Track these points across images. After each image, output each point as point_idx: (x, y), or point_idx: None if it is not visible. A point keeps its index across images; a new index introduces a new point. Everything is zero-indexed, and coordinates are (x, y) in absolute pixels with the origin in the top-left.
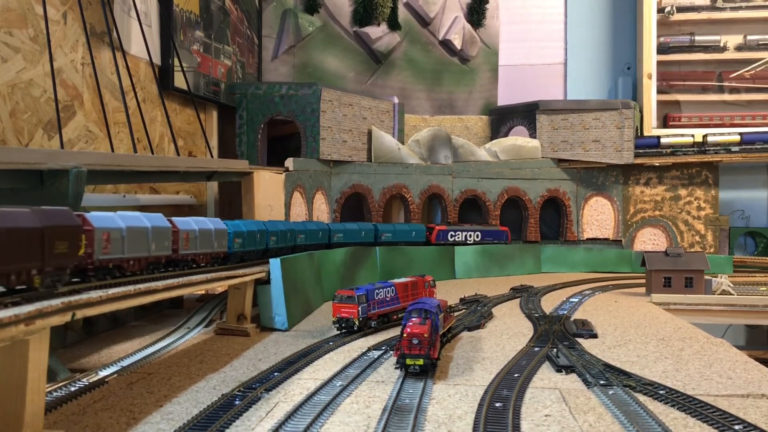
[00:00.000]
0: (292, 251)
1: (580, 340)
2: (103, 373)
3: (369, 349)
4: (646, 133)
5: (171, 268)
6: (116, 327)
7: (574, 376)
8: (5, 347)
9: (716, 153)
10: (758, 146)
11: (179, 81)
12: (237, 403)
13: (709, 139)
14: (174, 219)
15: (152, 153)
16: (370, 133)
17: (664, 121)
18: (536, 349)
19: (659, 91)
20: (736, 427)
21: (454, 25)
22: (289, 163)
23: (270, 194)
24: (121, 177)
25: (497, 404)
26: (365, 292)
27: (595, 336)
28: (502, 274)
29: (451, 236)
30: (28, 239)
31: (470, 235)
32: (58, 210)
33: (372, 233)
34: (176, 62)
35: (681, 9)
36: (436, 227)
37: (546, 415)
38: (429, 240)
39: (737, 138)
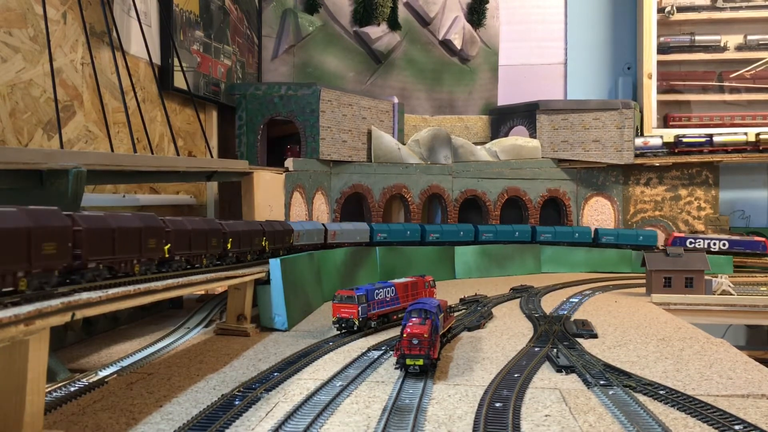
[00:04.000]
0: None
1: (580, 340)
2: (102, 374)
3: (369, 350)
4: (646, 133)
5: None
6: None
7: (574, 376)
8: (5, 347)
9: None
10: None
11: (179, 81)
12: (237, 403)
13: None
14: (328, 224)
15: (152, 153)
16: (369, 133)
17: (665, 121)
18: (536, 349)
19: (660, 91)
20: (737, 427)
21: (454, 25)
22: (289, 163)
23: (270, 194)
24: (121, 177)
25: (497, 404)
26: (365, 293)
27: (595, 336)
28: (502, 274)
29: (690, 243)
30: (134, 236)
31: (714, 244)
32: (149, 215)
33: (529, 233)
34: (176, 62)
35: (681, 9)
36: (674, 233)
37: (546, 416)
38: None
39: None
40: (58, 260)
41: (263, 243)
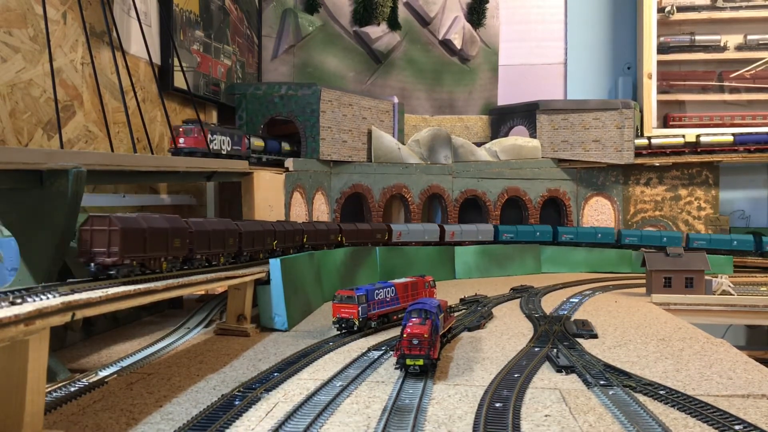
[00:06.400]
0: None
1: (580, 340)
2: (102, 374)
3: (369, 350)
4: (646, 133)
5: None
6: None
7: (574, 376)
8: (5, 347)
9: (716, 153)
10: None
11: (179, 81)
12: (237, 403)
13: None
14: (447, 225)
15: (152, 153)
16: (369, 133)
17: (665, 121)
18: (536, 349)
19: (660, 91)
20: (737, 427)
21: (454, 25)
22: (289, 163)
23: (270, 194)
24: (121, 177)
25: (497, 404)
26: (365, 293)
27: (595, 336)
28: (502, 274)
29: None
30: (262, 234)
31: None
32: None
33: (680, 239)
34: (176, 62)
35: (681, 9)
36: None
37: (546, 416)
38: None
39: None
40: None
41: (231, 245)
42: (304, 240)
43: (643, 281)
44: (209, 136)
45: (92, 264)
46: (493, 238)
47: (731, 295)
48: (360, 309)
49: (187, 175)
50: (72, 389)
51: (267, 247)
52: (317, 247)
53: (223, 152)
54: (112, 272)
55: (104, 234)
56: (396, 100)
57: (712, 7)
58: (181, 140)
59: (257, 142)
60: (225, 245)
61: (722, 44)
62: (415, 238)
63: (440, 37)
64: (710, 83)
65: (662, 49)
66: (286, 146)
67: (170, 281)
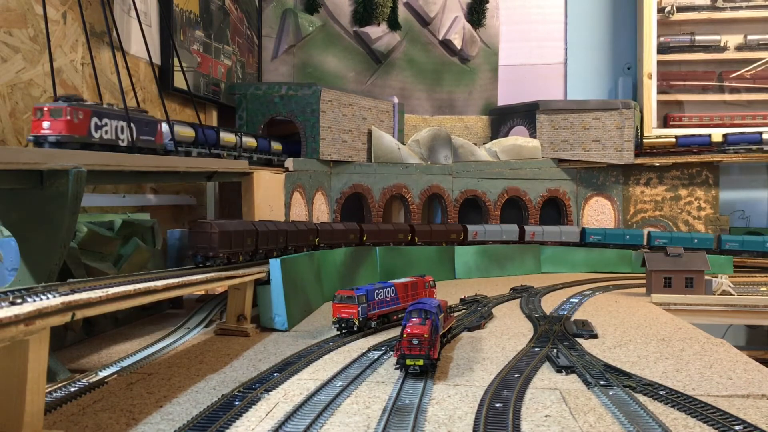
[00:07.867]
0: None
1: (580, 340)
2: (102, 374)
3: (369, 350)
4: (646, 134)
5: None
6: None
7: (574, 376)
8: (5, 347)
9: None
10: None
11: (179, 81)
12: (237, 403)
13: None
14: (527, 226)
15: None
16: (370, 133)
17: (665, 121)
18: (536, 349)
19: (659, 91)
20: (737, 427)
21: (454, 25)
22: (289, 163)
23: (270, 194)
24: (121, 177)
25: (497, 405)
26: (365, 293)
27: (595, 336)
28: (502, 274)
29: None
30: (305, 233)
31: None
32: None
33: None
34: (176, 62)
35: (681, 9)
36: None
37: (546, 416)
38: None
39: None
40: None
41: (281, 242)
42: (364, 238)
43: (643, 281)
44: (94, 119)
45: (198, 256)
46: (579, 239)
47: (731, 295)
48: (360, 309)
49: (187, 175)
50: (72, 389)
51: (309, 243)
52: (379, 245)
53: (121, 143)
54: (209, 263)
55: (206, 235)
56: (396, 100)
57: (712, 7)
58: (46, 124)
59: (183, 132)
60: (277, 242)
61: (722, 44)
62: (492, 237)
63: (440, 37)
64: (710, 83)
65: (662, 49)
66: (228, 137)
67: (170, 281)
